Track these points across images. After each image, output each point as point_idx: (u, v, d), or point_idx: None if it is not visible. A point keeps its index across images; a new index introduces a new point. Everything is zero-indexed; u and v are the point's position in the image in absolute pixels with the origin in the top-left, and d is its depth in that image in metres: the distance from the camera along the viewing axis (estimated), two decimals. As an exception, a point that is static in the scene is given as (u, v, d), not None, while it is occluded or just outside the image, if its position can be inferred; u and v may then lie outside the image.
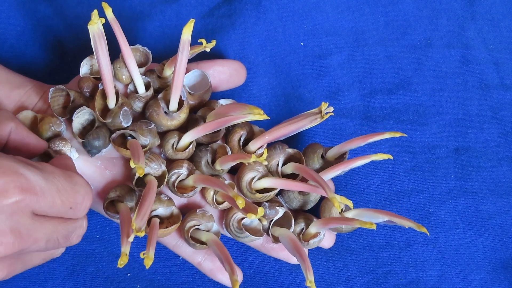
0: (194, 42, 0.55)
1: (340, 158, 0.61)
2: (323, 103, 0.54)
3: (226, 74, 0.65)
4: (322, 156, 0.61)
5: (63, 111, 0.58)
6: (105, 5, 0.52)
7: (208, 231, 0.58)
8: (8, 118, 0.51)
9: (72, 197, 0.47)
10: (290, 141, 0.65)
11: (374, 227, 0.51)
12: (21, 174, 0.42)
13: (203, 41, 0.56)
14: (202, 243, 0.57)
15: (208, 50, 0.56)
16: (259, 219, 0.58)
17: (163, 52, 0.71)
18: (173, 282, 0.62)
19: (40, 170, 0.45)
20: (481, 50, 0.75)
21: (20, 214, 0.42)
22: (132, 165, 0.50)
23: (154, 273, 0.62)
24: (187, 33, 0.52)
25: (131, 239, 0.48)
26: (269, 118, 0.53)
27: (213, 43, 0.56)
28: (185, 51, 0.53)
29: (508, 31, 0.76)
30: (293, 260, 0.62)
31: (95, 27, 0.51)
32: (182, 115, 0.58)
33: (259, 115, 0.52)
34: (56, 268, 0.61)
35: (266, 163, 0.55)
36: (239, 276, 0.61)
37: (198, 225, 0.58)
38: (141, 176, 0.50)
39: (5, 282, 0.60)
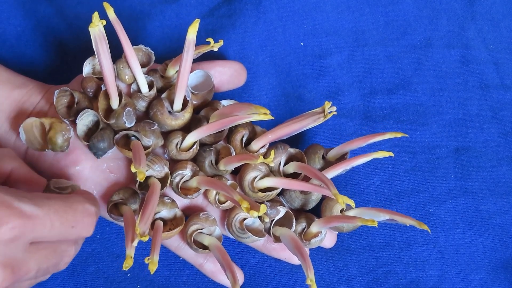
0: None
1: (341, 159, 0.61)
2: (326, 102, 0.54)
3: (227, 75, 0.65)
4: (323, 157, 0.62)
5: (67, 111, 0.58)
6: (106, 5, 0.52)
7: (210, 234, 0.58)
8: (11, 157, 0.51)
9: (72, 215, 0.46)
10: (290, 141, 0.65)
11: (375, 224, 0.51)
12: (14, 206, 0.42)
13: (211, 40, 0.56)
14: (204, 247, 0.57)
15: (215, 49, 0.56)
16: (261, 217, 0.58)
17: (163, 52, 0.71)
18: (173, 283, 0.62)
19: (32, 198, 0.44)
20: (481, 50, 0.75)
21: (15, 246, 0.42)
22: (133, 169, 0.49)
23: (154, 273, 0.62)
24: (192, 32, 0.52)
25: (135, 243, 0.48)
26: (273, 118, 0.53)
27: (221, 42, 0.56)
28: (190, 51, 0.53)
29: (508, 31, 0.76)
30: (295, 260, 0.62)
31: (96, 29, 0.50)
32: (186, 115, 0.58)
33: (264, 115, 0.52)
34: (56, 268, 0.61)
35: (273, 164, 0.55)
36: (240, 279, 0.61)
37: (201, 229, 0.58)
38: (141, 181, 0.49)
39: (4, 282, 0.60)
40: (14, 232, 0.41)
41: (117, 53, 0.58)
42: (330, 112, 0.54)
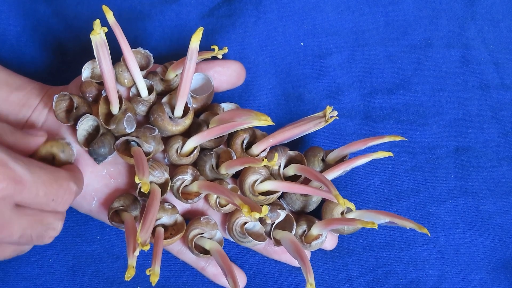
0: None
1: (340, 161, 0.61)
2: (328, 106, 0.54)
3: (226, 75, 0.65)
4: (323, 160, 0.62)
5: (67, 115, 0.58)
6: (106, 9, 0.52)
7: (211, 238, 0.58)
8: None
9: (55, 189, 0.48)
10: (289, 142, 0.65)
11: (375, 226, 0.51)
12: (9, 166, 0.44)
13: (216, 47, 0.56)
14: (206, 251, 0.57)
15: (220, 57, 0.56)
16: (262, 220, 0.58)
17: (163, 52, 0.71)
18: (173, 284, 0.62)
19: (26, 163, 0.46)
20: (481, 50, 0.75)
21: (2, 203, 0.44)
22: (137, 180, 0.50)
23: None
24: (195, 41, 0.52)
25: (136, 253, 0.48)
26: (274, 124, 0.53)
27: (225, 50, 0.56)
28: (193, 59, 0.53)
29: (508, 31, 0.76)
30: (296, 263, 0.62)
31: (97, 37, 0.50)
32: (187, 121, 0.58)
33: (264, 121, 0.52)
34: (56, 269, 0.61)
35: (276, 167, 0.55)
36: (242, 282, 0.61)
37: (202, 233, 0.58)
38: (146, 192, 0.50)
39: (5, 282, 0.60)
40: (4, 192, 0.43)
41: (116, 55, 0.58)
42: (331, 117, 0.54)
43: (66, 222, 0.63)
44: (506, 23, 0.77)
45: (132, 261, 0.48)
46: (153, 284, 0.47)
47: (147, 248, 0.47)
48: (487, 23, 0.77)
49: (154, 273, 0.48)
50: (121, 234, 0.63)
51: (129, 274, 0.47)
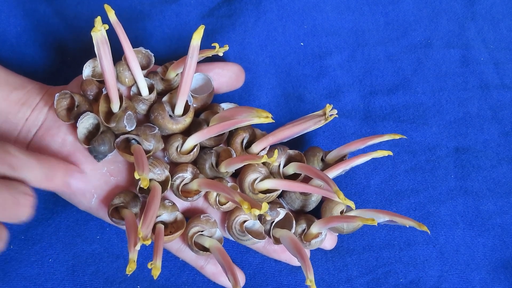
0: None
1: (339, 161, 0.61)
2: (327, 105, 0.54)
3: (226, 77, 0.65)
4: (322, 160, 0.62)
5: (67, 113, 0.58)
6: (108, 8, 0.52)
7: (211, 236, 0.58)
8: None
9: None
10: (289, 142, 0.65)
11: (375, 223, 0.51)
12: None
13: (216, 45, 0.56)
14: (205, 249, 0.57)
15: (221, 54, 0.56)
16: (261, 218, 0.58)
17: (163, 52, 0.71)
18: (173, 283, 0.62)
19: None
20: (481, 50, 0.75)
21: None
22: (136, 176, 0.50)
23: (154, 274, 0.62)
24: (197, 38, 0.52)
25: (138, 247, 0.48)
26: (274, 121, 0.53)
27: (226, 47, 0.56)
28: (194, 57, 0.53)
29: (508, 31, 0.76)
30: (295, 262, 0.62)
31: (98, 34, 0.50)
32: (187, 120, 0.58)
33: (265, 119, 0.52)
34: (56, 269, 0.61)
35: (276, 164, 0.55)
36: (242, 280, 0.61)
37: (202, 231, 0.58)
38: (145, 188, 0.50)
39: (5, 282, 0.60)
40: None
41: (117, 55, 0.58)
42: (331, 115, 0.54)
43: (66, 222, 0.63)
44: (506, 23, 0.77)
45: (133, 255, 0.48)
46: (155, 278, 0.47)
47: (148, 242, 0.47)
48: (487, 23, 0.77)
49: (156, 267, 0.48)
50: (121, 233, 0.63)
51: (130, 268, 0.47)
